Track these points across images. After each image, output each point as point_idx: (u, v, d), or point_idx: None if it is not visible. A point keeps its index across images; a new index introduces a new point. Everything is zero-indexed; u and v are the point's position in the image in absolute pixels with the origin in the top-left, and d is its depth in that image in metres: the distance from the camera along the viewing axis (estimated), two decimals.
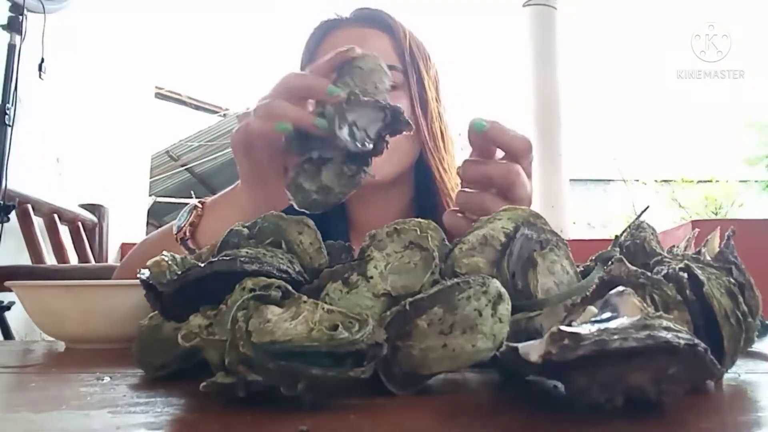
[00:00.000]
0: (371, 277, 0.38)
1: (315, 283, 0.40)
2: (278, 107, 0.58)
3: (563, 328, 0.27)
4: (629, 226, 0.48)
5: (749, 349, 0.41)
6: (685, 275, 0.36)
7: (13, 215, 1.89)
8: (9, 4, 1.92)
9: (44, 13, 2.01)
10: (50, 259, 2.04)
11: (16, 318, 1.89)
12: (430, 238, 0.40)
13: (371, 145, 0.54)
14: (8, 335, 1.86)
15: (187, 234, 0.72)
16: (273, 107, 0.58)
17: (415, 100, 0.92)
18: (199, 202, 0.75)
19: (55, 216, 2.13)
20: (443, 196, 0.93)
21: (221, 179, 7.02)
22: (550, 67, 3.81)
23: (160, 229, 0.84)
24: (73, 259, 2.16)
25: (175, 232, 0.73)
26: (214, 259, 0.38)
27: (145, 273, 0.39)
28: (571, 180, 3.88)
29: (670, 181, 7.79)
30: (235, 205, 0.70)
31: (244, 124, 0.62)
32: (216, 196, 0.76)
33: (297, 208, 0.56)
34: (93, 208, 2.38)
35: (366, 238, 0.41)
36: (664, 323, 0.28)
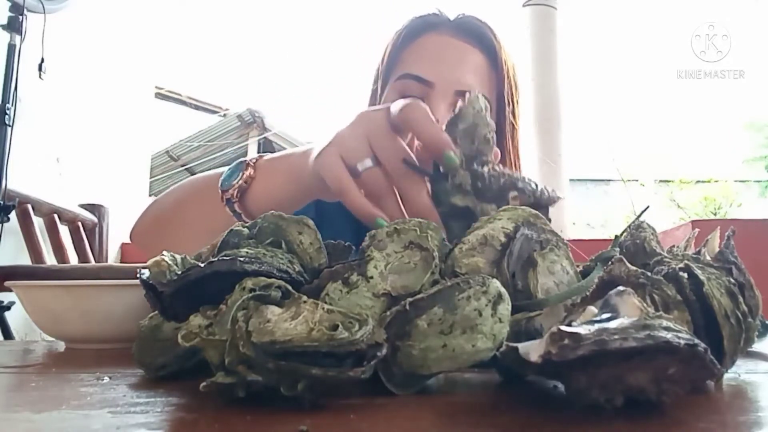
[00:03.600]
0: (371, 277, 0.38)
1: (315, 283, 0.40)
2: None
3: (563, 328, 0.27)
4: (629, 226, 0.48)
5: (749, 349, 0.41)
6: (685, 275, 0.36)
7: (13, 215, 1.89)
8: (9, 4, 1.92)
9: (44, 13, 2.01)
10: (50, 259, 2.04)
11: (16, 318, 1.89)
12: (430, 238, 0.40)
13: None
14: (8, 335, 1.86)
15: (235, 196, 0.63)
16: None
17: (507, 132, 0.90)
18: (251, 160, 0.65)
19: (55, 216, 2.13)
20: None
21: None
22: (550, 67, 3.81)
23: (200, 179, 0.73)
24: (73, 259, 2.16)
25: (221, 188, 0.64)
26: (214, 259, 0.38)
27: (145, 273, 0.39)
28: (571, 180, 3.88)
29: (669, 181, 7.79)
30: (292, 173, 0.61)
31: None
32: (271, 157, 0.66)
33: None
34: (93, 208, 2.38)
35: (366, 238, 0.41)
36: (664, 323, 0.28)
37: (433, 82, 0.85)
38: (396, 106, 0.53)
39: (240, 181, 0.63)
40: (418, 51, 0.89)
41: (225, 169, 0.67)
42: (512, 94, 0.91)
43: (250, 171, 0.63)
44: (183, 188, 0.77)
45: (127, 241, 2.75)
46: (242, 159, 0.66)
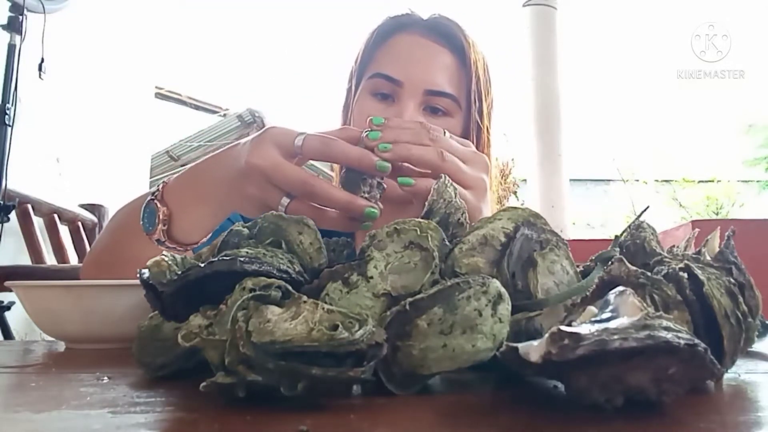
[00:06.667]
0: (371, 277, 0.38)
1: (315, 283, 0.40)
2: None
3: (563, 328, 0.26)
4: (629, 226, 0.48)
5: (749, 349, 0.41)
6: (685, 275, 0.36)
7: (13, 215, 1.89)
8: (9, 4, 1.92)
9: (44, 13, 2.01)
10: (50, 259, 2.04)
11: (16, 318, 1.89)
12: (430, 238, 0.40)
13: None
14: (8, 335, 1.86)
15: (163, 236, 0.67)
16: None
17: (472, 130, 0.91)
18: (154, 195, 0.68)
19: (55, 216, 2.13)
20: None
21: None
22: (550, 67, 3.81)
23: (124, 218, 0.75)
24: (73, 259, 2.16)
25: (146, 233, 0.67)
26: (214, 259, 0.38)
27: (145, 273, 0.39)
28: (571, 180, 3.88)
29: (671, 181, 7.78)
30: (205, 203, 0.66)
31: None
32: (176, 183, 0.68)
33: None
34: (93, 208, 2.37)
35: (366, 238, 0.41)
36: (664, 323, 0.28)
37: (402, 81, 0.87)
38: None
39: (159, 225, 0.66)
40: (389, 51, 0.91)
41: (141, 197, 0.71)
42: (481, 92, 0.92)
43: (163, 210, 0.67)
44: (112, 228, 0.78)
45: None
46: (149, 197, 0.68)
